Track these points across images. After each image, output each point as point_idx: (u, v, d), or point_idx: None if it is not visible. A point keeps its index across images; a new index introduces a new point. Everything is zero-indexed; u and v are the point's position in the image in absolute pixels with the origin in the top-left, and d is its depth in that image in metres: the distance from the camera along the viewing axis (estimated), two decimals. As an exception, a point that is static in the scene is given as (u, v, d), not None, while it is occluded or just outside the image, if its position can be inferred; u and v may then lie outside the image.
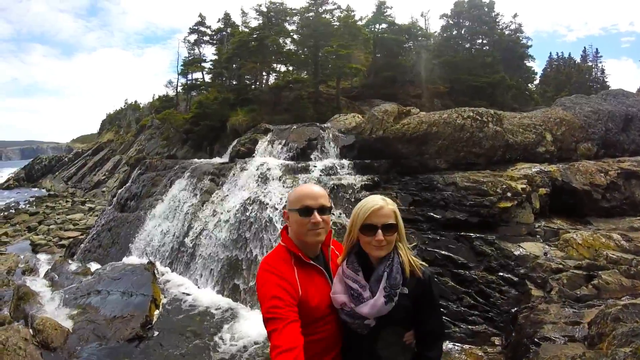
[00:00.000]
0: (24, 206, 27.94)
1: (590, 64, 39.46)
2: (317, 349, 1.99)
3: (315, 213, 2.03)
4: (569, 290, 5.47)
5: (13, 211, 25.30)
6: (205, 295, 9.01)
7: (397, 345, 2.07)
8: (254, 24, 24.61)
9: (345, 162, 10.30)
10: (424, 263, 2.12)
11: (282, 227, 2.59)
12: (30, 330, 6.68)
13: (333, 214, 8.55)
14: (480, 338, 6.01)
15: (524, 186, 7.60)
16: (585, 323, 4.48)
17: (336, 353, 2.12)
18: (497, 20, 26.50)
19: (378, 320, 2.00)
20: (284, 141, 12.56)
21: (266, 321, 1.85)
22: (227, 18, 26.46)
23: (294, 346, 1.74)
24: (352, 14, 22.25)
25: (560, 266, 6.02)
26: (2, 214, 24.39)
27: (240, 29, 25.14)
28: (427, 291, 2.05)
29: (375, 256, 2.05)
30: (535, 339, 4.51)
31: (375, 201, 2.04)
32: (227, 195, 11.14)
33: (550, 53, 56.41)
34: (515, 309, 5.73)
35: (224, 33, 26.38)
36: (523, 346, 4.65)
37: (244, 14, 26.71)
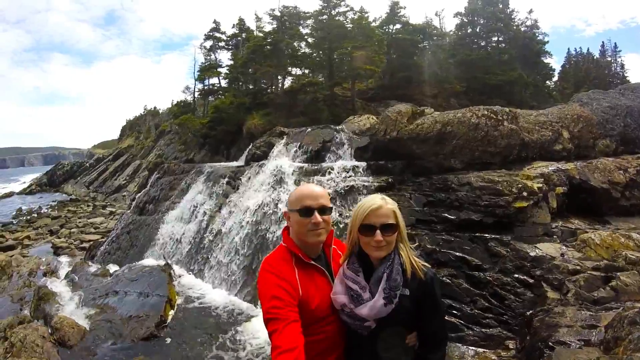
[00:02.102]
0: (46, 210, 28.70)
1: (609, 59, 38.48)
2: (318, 349, 1.97)
3: (316, 213, 2.02)
4: (586, 293, 5.31)
5: (35, 215, 26.07)
6: (220, 296, 9.13)
7: (398, 347, 2.03)
8: (268, 28, 24.85)
9: (360, 163, 10.26)
10: (426, 264, 2.07)
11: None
12: (49, 329, 6.88)
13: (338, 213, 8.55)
14: (494, 341, 5.89)
15: (541, 185, 7.40)
16: (602, 326, 4.31)
17: (338, 354, 2.09)
18: (512, 16, 26.02)
19: (378, 322, 1.97)
20: (298, 144, 12.61)
21: (267, 322, 1.84)
22: (241, 23, 26.66)
23: (294, 346, 1.73)
24: (366, 15, 22.20)
25: (578, 267, 5.84)
26: (25, 218, 25.16)
27: (254, 33, 25.33)
28: (429, 293, 2.00)
29: (375, 257, 2.02)
30: (550, 343, 4.37)
31: (374, 201, 2.01)
32: (243, 198, 11.25)
33: (569, 49, 54.96)
34: (531, 311, 5.57)
35: (239, 38, 26.60)
36: (537, 350, 4.51)
37: (258, 18, 26.97)
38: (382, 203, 2.00)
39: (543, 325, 4.84)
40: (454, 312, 6.39)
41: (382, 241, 1.95)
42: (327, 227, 2.09)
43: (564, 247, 6.56)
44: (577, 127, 9.48)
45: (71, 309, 8.31)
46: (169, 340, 7.11)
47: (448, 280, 6.75)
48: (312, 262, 2.08)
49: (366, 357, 2.04)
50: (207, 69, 27.06)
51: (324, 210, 2.05)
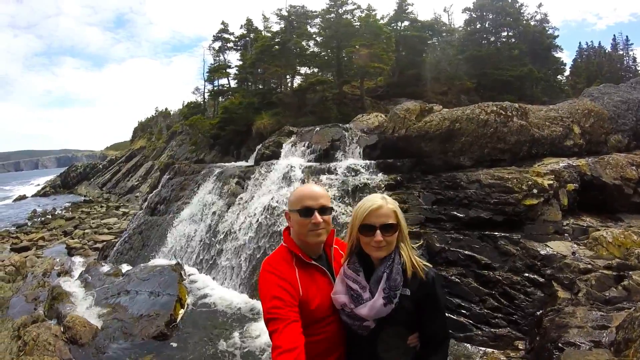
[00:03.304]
0: (60, 212, 29.17)
1: (621, 52, 37.78)
2: (319, 349, 1.97)
3: (316, 213, 2.01)
4: (597, 292, 5.21)
5: (50, 217, 26.52)
6: (230, 295, 9.20)
7: (398, 348, 2.01)
8: (275, 28, 24.84)
9: (368, 162, 10.24)
10: (428, 264, 2.05)
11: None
12: (61, 328, 7.00)
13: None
14: (504, 342, 5.82)
15: (551, 182, 7.30)
16: (613, 327, 4.23)
17: (339, 354, 2.08)
18: (521, 11, 25.56)
19: (378, 322, 1.95)
20: (307, 143, 12.62)
21: (267, 322, 1.85)
22: (249, 24, 26.66)
23: (294, 346, 1.73)
24: (373, 13, 22.06)
25: (589, 266, 5.74)
26: (39, 220, 25.62)
27: (262, 34, 25.36)
28: (430, 293, 1.97)
29: (375, 257, 2.00)
30: (560, 344, 4.30)
31: (374, 201, 1.99)
32: (252, 197, 11.30)
33: (580, 43, 54.06)
34: (541, 311, 5.51)
35: (247, 39, 26.58)
36: (547, 351, 4.44)
37: (265, 19, 26.95)
38: (382, 203, 1.97)
39: (553, 325, 4.77)
40: (463, 311, 6.34)
41: (382, 241, 1.93)
42: (328, 227, 2.09)
43: (575, 246, 6.47)
44: (588, 122, 9.33)
45: (84, 308, 8.45)
46: (178, 339, 7.18)
47: (457, 279, 6.70)
48: (313, 262, 2.07)
49: (366, 357, 2.02)
50: (216, 70, 27.14)
51: (324, 210, 2.05)
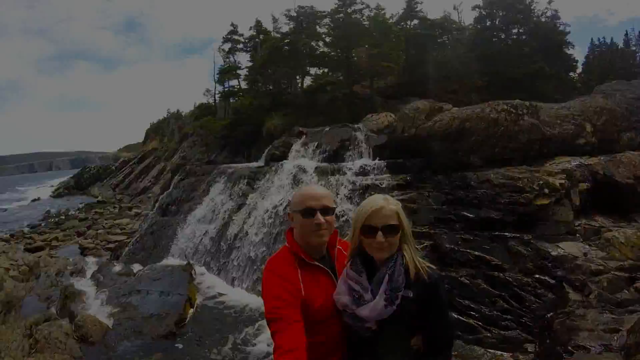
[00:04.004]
0: (73, 212, 29.50)
1: (633, 48, 36.93)
2: (321, 350, 1.96)
3: (318, 214, 2.01)
4: (609, 294, 5.12)
5: (63, 217, 26.83)
6: (239, 295, 9.25)
7: (400, 350, 1.99)
8: (285, 29, 24.95)
9: (378, 162, 10.21)
10: (431, 265, 2.02)
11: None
12: (72, 326, 7.11)
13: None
14: (513, 344, 5.75)
15: (563, 181, 7.17)
16: (624, 330, 4.14)
17: (341, 355, 2.08)
18: (532, 7, 25.09)
19: (379, 324, 1.94)
20: (317, 143, 12.63)
21: (269, 322, 1.85)
22: (258, 25, 26.80)
23: (295, 347, 1.73)
24: (382, 12, 22.03)
25: (601, 268, 5.64)
26: (53, 220, 25.95)
27: (272, 34, 25.46)
28: (433, 295, 1.94)
29: (378, 258, 1.99)
30: (570, 347, 4.23)
31: (375, 201, 1.97)
32: (262, 198, 11.35)
33: (592, 39, 52.96)
34: (551, 314, 5.41)
35: (257, 40, 26.75)
36: (556, 354, 4.36)
37: (274, 20, 27.11)
38: (384, 204, 1.95)
39: (563, 328, 4.69)
40: (472, 313, 6.28)
41: (384, 242, 1.91)
42: (330, 227, 2.08)
43: (587, 246, 6.37)
44: (600, 120, 9.15)
45: (96, 307, 8.57)
46: (187, 338, 7.26)
47: (467, 281, 6.64)
48: (315, 263, 2.07)
49: (367, 359, 2.01)
50: (227, 72, 27.34)
51: (326, 210, 2.04)
